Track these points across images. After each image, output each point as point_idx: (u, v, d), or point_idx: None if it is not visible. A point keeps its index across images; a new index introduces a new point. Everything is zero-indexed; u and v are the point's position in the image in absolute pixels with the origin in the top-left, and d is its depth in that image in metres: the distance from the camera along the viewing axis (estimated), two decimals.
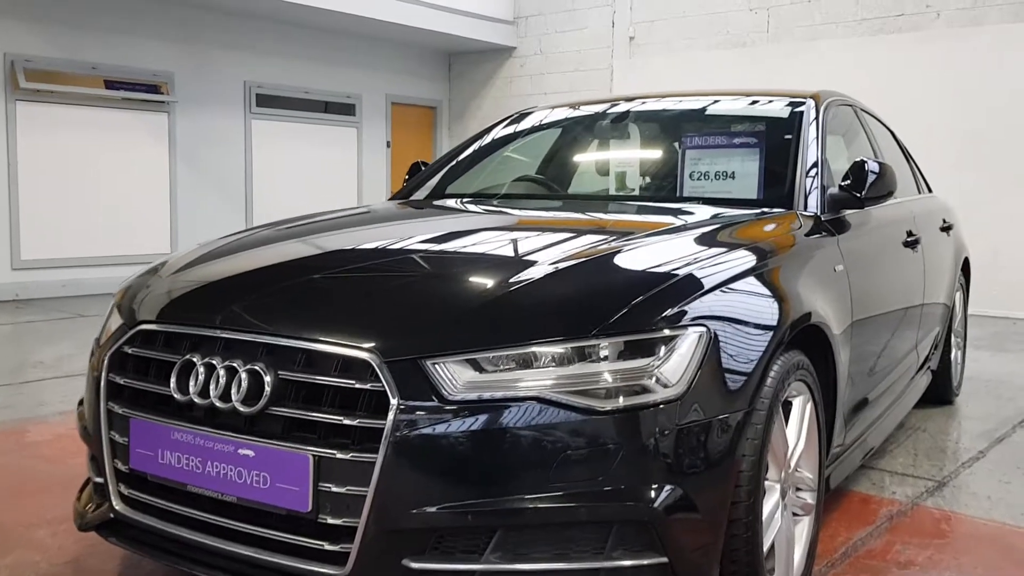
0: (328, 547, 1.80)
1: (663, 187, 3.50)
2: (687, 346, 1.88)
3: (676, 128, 3.58)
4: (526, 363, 1.81)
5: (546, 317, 1.89)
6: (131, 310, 2.23)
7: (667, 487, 1.81)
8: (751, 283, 2.17)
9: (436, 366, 1.79)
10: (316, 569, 1.81)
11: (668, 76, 9.91)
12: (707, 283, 2.05)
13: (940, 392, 4.54)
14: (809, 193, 2.87)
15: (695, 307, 1.96)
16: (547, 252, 2.24)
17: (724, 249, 2.30)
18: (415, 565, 1.77)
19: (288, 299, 2.07)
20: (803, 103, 3.28)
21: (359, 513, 1.76)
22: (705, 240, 2.39)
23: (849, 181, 2.91)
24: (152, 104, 9.09)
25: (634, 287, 2.00)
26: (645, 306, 1.93)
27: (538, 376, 1.80)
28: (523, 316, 1.91)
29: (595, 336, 1.83)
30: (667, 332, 1.88)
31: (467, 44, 11.37)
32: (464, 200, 3.41)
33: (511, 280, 2.02)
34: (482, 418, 1.75)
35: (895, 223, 3.43)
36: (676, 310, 1.92)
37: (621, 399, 1.79)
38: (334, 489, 1.79)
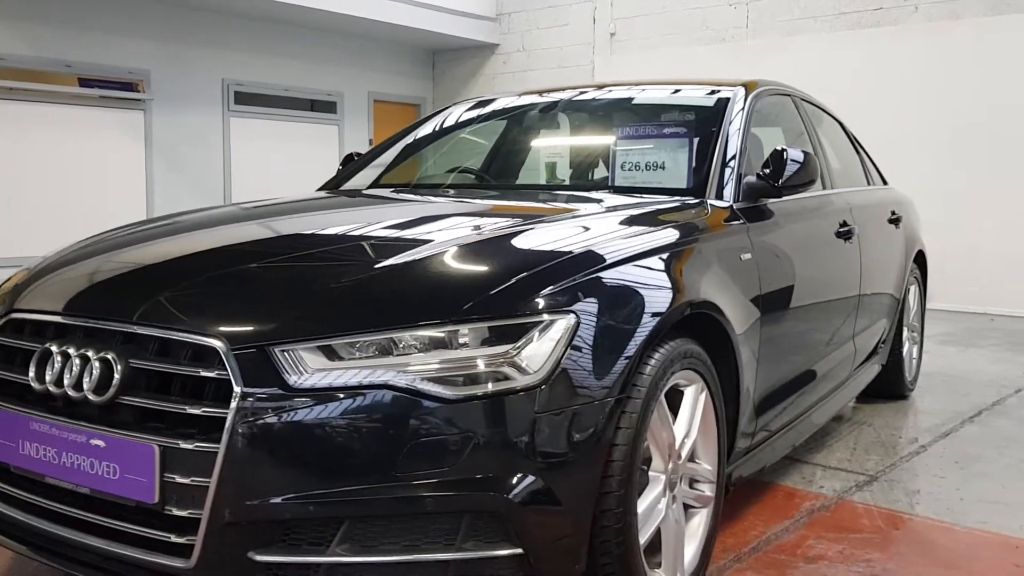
0: (175, 539, 1.75)
1: (595, 177, 3.46)
2: (553, 332, 1.83)
3: (608, 119, 3.53)
4: (382, 349, 1.77)
5: (405, 303, 1.85)
6: (5, 299, 2.19)
7: (524, 477, 1.76)
8: (631, 270, 2.11)
9: (284, 353, 1.75)
10: (164, 562, 1.77)
11: (649, 72, 9.85)
12: (581, 269, 2.00)
13: (892, 387, 4.48)
14: (725, 182, 2.82)
15: (564, 293, 1.91)
16: (427, 238, 2.20)
17: (610, 236, 2.25)
18: (260, 558, 1.72)
19: (145, 288, 2.02)
20: (731, 92, 3.22)
21: (203, 504, 1.71)
22: (592, 227, 2.34)
23: (768, 170, 2.85)
24: (128, 102, 9.07)
25: (501, 273, 1.95)
26: (510, 292, 1.88)
27: (392, 363, 1.75)
28: (382, 302, 1.86)
29: (453, 322, 1.79)
30: (531, 318, 1.83)
31: (450, 41, 11.34)
32: (388, 189, 3.36)
33: (375, 266, 1.97)
34: (328, 406, 1.71)
35: (825, 213, 3.37)
36: (543, 296, 1.88)
37: (475, 387, 1.75)
38: (179, 480, 1.74)
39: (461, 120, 3.81)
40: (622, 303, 2.01)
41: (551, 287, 1.91)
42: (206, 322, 1.81)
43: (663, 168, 3.20)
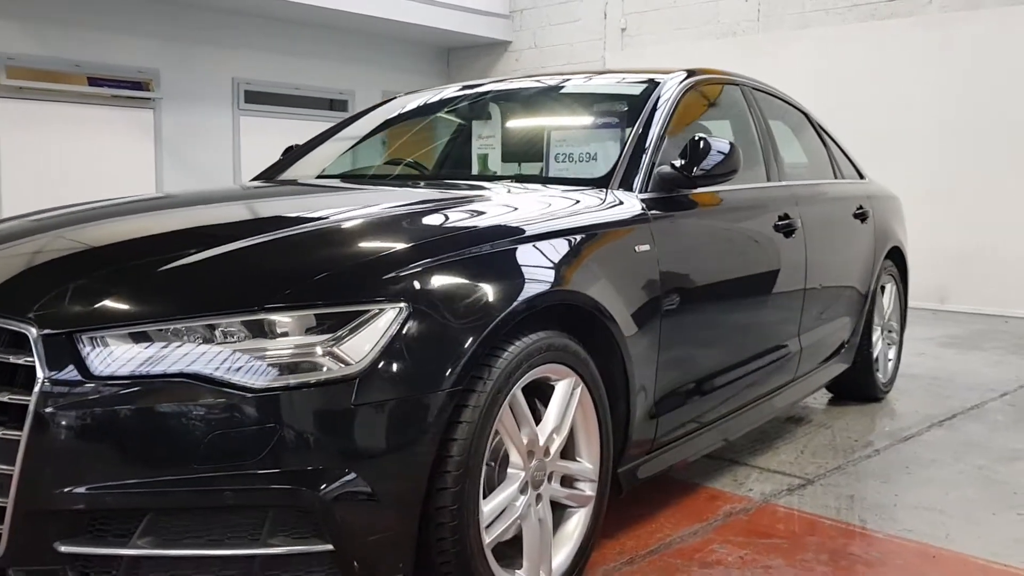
0: None
1: (527, 168, 3.38)
2: (380, 322, 1.77)
3: (540, 108, 3.45)
4: (193, 337, 1.72)
5: (221, 290, 1.81)
6: None
7: (335, 471, 1.70)
8: (482, 260, 2.02)
9: (91, 340, 1.71)
10: None
11: (660, 67, 9.71)
12: (420, 258, 1.92)
13: (862, 388, 4.33)
14: (634, 172, 2.72)
15: (397, 282, 1.84)
16: (274, 227, 2.15)
17: (467, 224, 2.18)
18: (65, 548, 1.69)
19: None
20: (658, 82, 3.12)
21: (7, 493, 1.68)
22: (455, 217, 2.26)
23: (683, 160, 2.75)
24: (137, 101, 9.18)
25: (334, 260, 1.90)
26: (337, 279, 1.82)
27: (200, 351, 1.70)
28: (201, 288, 1.82)
29: (264, 310, 1.74)
30: (356, 307, 1.78)
31: (463, 39, 11.30)
32: (313, 180, 3.32)
33: (202, 253, 1.93)
34: (129, 395, 1.67)
35: (761, 206, 3.25)
36: (371, 284, 1.81)
37: (283, 378, 1.69)
38: None
39: (403, 111, 3.76)
40: (465, 294, 1.93)
41: (383, 275, 1.84)
42: (23, 308, 1.78)
43: (594, 159, 3.12)
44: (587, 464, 2.28)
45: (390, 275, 1.85)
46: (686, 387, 2.72)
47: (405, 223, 2.19)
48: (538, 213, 2.36)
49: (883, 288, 4.43)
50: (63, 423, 1.66)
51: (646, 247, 2.51)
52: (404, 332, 1.79)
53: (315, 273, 1.83)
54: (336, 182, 3.26)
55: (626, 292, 2.38)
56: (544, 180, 2.92)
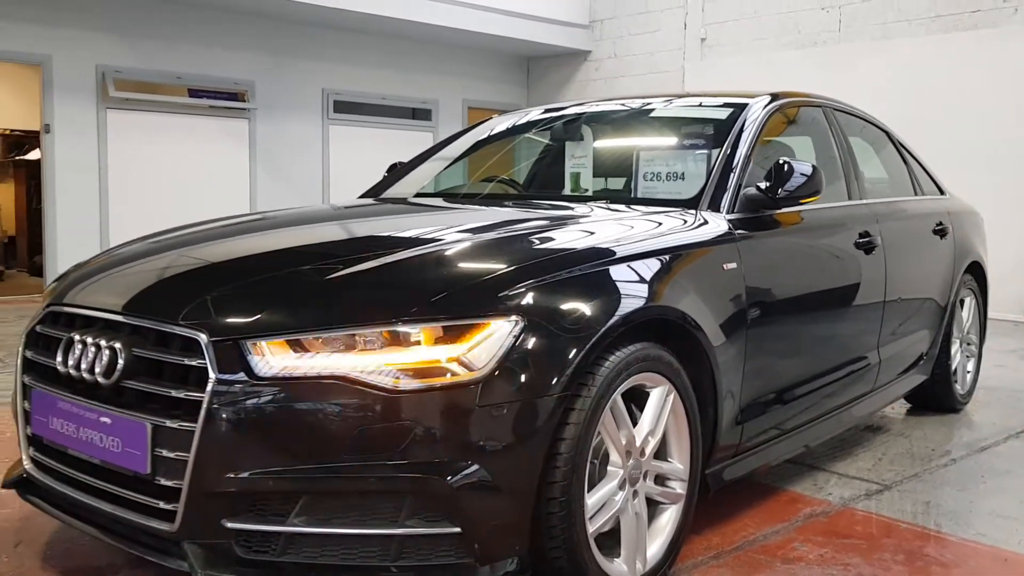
0: (162, 505, 2.02)
1: (617, 187, 3.59)
2: (498, 334, 2.01)
3: (630, 130, 3.66)
4: (344, 345, 1.98)
5: (365, 303, 2.07)
6: (49, 295, 2.53)
7: (463, 464, 1.94)
8: (588, 276, 2.26)
9: (255, 346, 1.98)
10: (154, 525, 2.04)
11: (738, 77, 9.82)
12: (533, 276, 2.15)
13: (940, 399, 4.42)
14: (722, 193, 2.91)
15: (514, 298, 2.07)
16: (403, 246, 2.41)
17: (576, 242, 2.40)
18: (231, 525, 1.97)
19: (152, 288, 2.32)
20: (745, 105, 3.30)
21: (183, 476, 1.97)
22: (562, 237, 2.49)
23: (768, 183, 2.93)
24: (234, 111, 9.66)
25: (456, 277, 2.15)
26: (461, 296, 2.07)
27: (348, 357, 1.96)
28: (344, 302, 2.08)
29: (405, 322, 1.99)
30: (478, 320, 2.02)
31: (544, 49, 11.55)
32: (418, 198, 3.59)
33: (345, 270, 2.20)
34: (288, 394, 1.94)
35: (842, 224, 3.40)
36: (493, 300, 2.05)
37: (421, 381, 1.94)
38: (166, 454, 2.00)
39: (498, 132, 4.01)
40: (573, 309, 2.16)
41: (503, 292, 2.08)
42: (194, 318, 2.07)
43: (681, 179, 3.32)
44: (678, 464, 2.48)
45: (506, 292, 2.09)
46: (769, 396, 2.90)
47: (516, 244, 2.43)
48: (633, 233, 2.58)
49: (962, 301, 4.52)
50: (231, 417, 1.94)
51: (733, 265, 2.71)
52: (519, 343, 2.02)
53: (442, 290, 2.08)
54: (440, 201, 3.52)
55: (714, 306, 2.58)
56: (634, 201, 3.12)
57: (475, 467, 1.95)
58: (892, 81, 8.71)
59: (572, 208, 3.05)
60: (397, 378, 1.94)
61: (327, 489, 1.95)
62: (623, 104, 3.72)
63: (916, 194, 4.34)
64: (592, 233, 2.58)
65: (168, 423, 1.99)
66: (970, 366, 4.68)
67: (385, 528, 1.95)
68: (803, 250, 3.14)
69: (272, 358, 1.97)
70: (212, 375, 1.96)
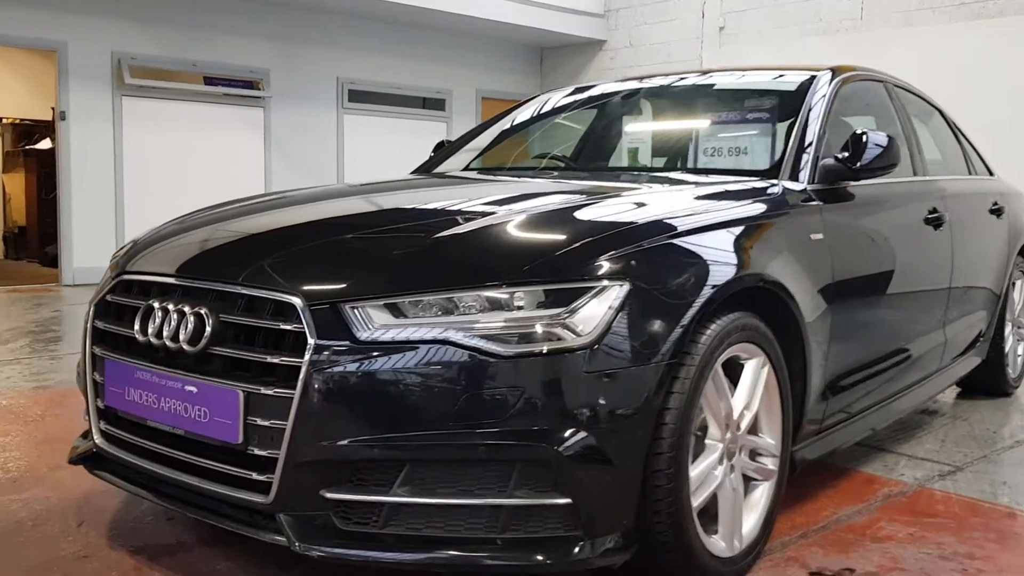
0: (256, 476, 1.93)
1: (676, 162, 3.51)
2: (605, 297, 1.92)
3: (692, 104, 3.57)
4: (443, 308, 1.90)
5: (465, 266, 1.98)
6: (118, 264, 2.43)
7: (572, 431, 1.86)
8: (689, 242, 2.18)
9: (353, 310, 1.90)
10: (246, 497, 1.95)
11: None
12: (637, 239, 2.07)
13: (993, 383, 4.35)
14: (801, 164, 2.83)
15: (619, 261, 1.99)
16: (492, 211, 2.32)
17: (670, 210, 2.32)
18: (331, 495, 1.88)
19: (237, 253, 2.22)
20: (814, 77, 3.22)
21: (280, 445, 1.88)
22: (656, 202, 2.41)
23: (846, 153, 2.85)
24: (249, 99, 9.56)
25: (557, 241, 2.06)
26: (566, 258, 1.98)
27: (452, 320, 1.88)
28: (444, 265, 2.00)
29: (509, 284, 1.90)
30: (584, 283, 1.93)
31: (558, 38, 11.46)
32: (472, 172, 3.51)
33: (441, 234, 2.11)
34: (391, 359, 1.85)
35: (914, 199, 3.33)
36: (597, 263, 1.97)
37: (528, 345, 1.85)
38: (260, 423, 1.91)
39: (550, 108, 3.92)
40: (676, 274, 2.08)
41: (606, 255, 1.99)
42: (287, 282, 1.98)
43: (744, 152, 3.25)
44: (769, 440, 2.40)
45: (611, 255, 2.00)
46: (851, 372, 2.81)
47: (611, 208, 2.35)
48: (724, 201, 2.50)
49: (1014, 284, 4.45)
50: (331, 383, 1.85)
51: (819, 235, 2.63)
52: (626, 308, 1.94)
53: (545, 252, 1.99)
54: (504, 174, 3.43)
55: (805, 278, 2.50)
56: (708, 171, 3.04)
57: (584, 435, 1.87)
58: (915, 69, 8.58)
59: (660, 177, 2.97)
60: (504, 342, 1.85)
61: (432, 457, 1.86)
62: (681, 79, 3.64)
63: (970, 174, 4.27)
64: (684, 199, 2.50)
65: (263, 390, 1.91)
66: (1020, 349, 4.61)
67: (493, 498, 1.86)
68: (879, 223, 3.06)
69: (373, 322, 1.88)
70: (311, 340, 1.87)
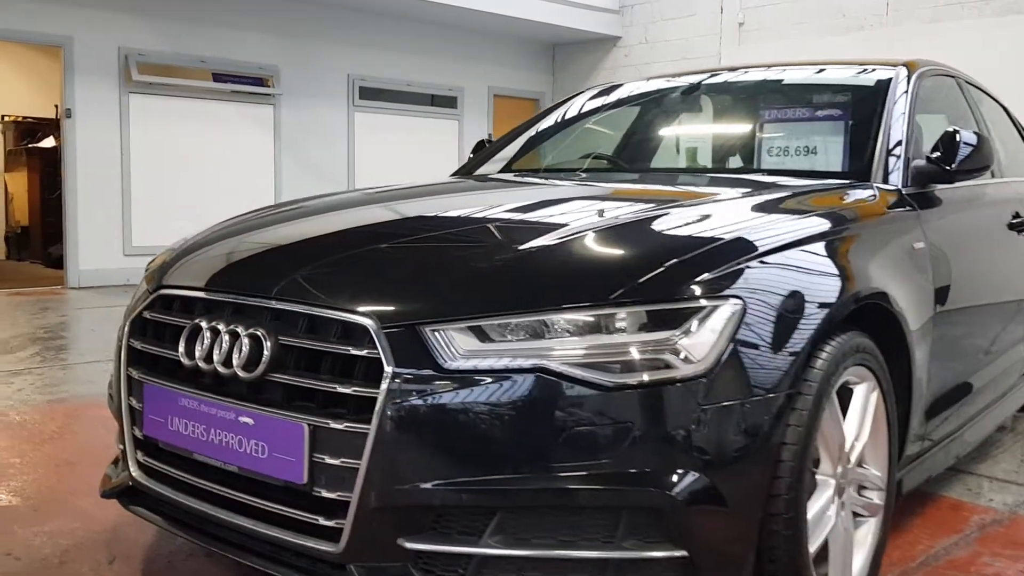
0: (323, 522, 1.70)
1: (738, 164, 3.29)
2: (717, 319, 1.69)
3: (753, 101, 3.35)
4: (535, 332, 1.66)
5: (558, 284, 1.74)
6: (154, 276, 2.20)
7: (687, 473, 1.63)
8: (801, 255, 1.95)
9: (435, 333, 1.66)
10: (312, 545, 1.71)
11: None
12: (746, 252, 1.84)
13: None
14: (891, 165, 2.61)
15: (730, 277, 1.76)
16: (574, 219, 2.08)
17: (772, 218, 2.10)
18: (410, 545, 1.65)
19: (295, 266, 1.98)
20: (892, 72, 3.00)
21: (352, 487, 1.65)
22: (752, 209, 2.19)
23: (938, 153, 2.63)
24: (258, 96, 9.32)
25: (659, 254, 1.82)
26: (670, 274, 1.75)
27: (546, 346, 1.64)
28: (534, 282, 1.76)
29: (610, 304, 1.67)
30: (694, 303, 1.70)
31: (571, 34, 11.23)
32: (524, 174, 3.28)
33: (525, 246, 1.87)
34: (481, 389, 1.62)
35: (998, 202, 3.11)
36: (706, 279, 1.73)
37: (636, 374, 1.62)
38: (328, 461, 1.68)
39: (596, 106, 3.69)
40: (790, 291, 1.85)
41: (714, 271, 1.76)
42: (356, 300, 1.75)
43: (814, 152, 3.03)
44: (875, 471, 2.18)
45: (722, 270, 1.77)
46: (947, 391, 2.59)
47: (708, 216, 2.11)
48: (826, 207, 2.27)
49: None
50: (412, 418, 1.62)
51: (921, 244, 2.41)
52: (743, 329, 1.71)
53: (648, 267, 1.75)
54: (561, 177, 3.20)
55: (910, 291, 2.28)
56: (784, 173, 2.81)
57: (700, 478, 1.64)
58: None
59: (736, 179, 2.74)
60: (607, 371, 1.62)
61: (529, 504, 1.62)
62: (744, 74, 3.41)
63: None
64: (784, 207, 2.27)
65: (332, 424, 1.67)
66: None
67: (598, 550, 1.63)
68: (970, 230, 2.84)
69: (457, 347, 1.65)
70: (387, 368, 1.64)
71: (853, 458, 2.05)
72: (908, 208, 2.47)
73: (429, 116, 10.80)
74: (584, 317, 1.67)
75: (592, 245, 1.90)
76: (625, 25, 11.17)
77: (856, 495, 2.11)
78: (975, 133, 2.65)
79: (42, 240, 10.69)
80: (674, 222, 2.04)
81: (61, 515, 2.63)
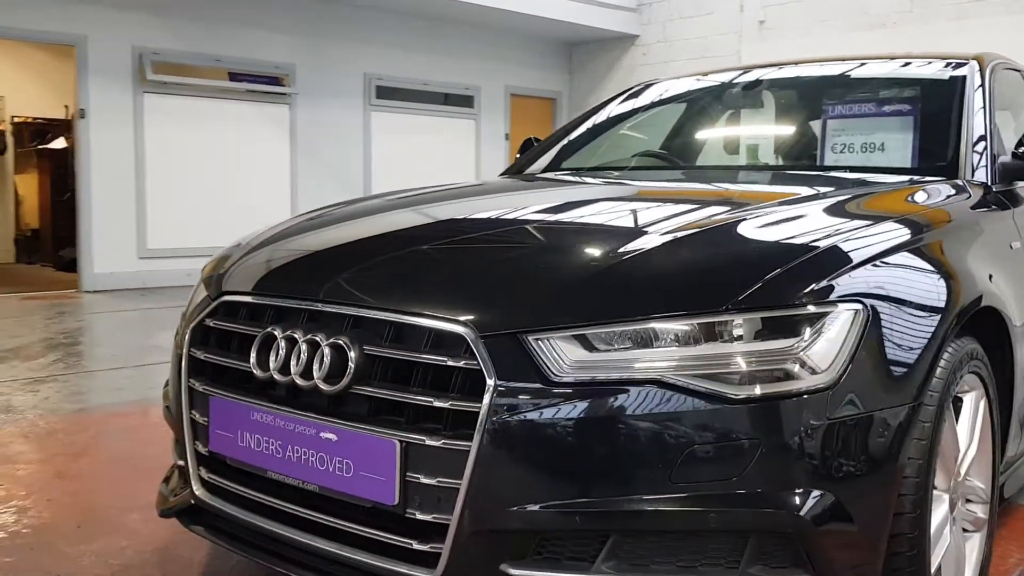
0: (417, 546, 1.58)
1: (800, 161, 3.16)
2: (839, 325, 1.57)
3: (816, 96, 3.22)
4: (644, 341, 1.54)
5: (668, 289, 1.62)
6: (216, 282, 2.07)
7: (816, 492, 1.50)
8: (912, 257, 1.83)
9: (540, 343, 1.54)
10: (404, 571, 1.59)
11: None
12: (859, 255, 1.72)
13: None
14: (977, 162, 2.49)
15: (847, 281, 1.64)
16: (667, 221, 1.96)
17: (876, 219, 1.96)
18: (515, 572, 1.52)
19: (378, 269, 1.86)
20: (964, 65, 2.88)
21: (451, 509, 1.53)
22: (852, 209, 2.06)
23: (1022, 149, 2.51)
24: (274, 96, 9.20)
25: (771, 257, 1.70)
26: (786, 278, 1.62)
27: (659, 356, 1.52)
28: (641, 288, 1.63)
29: (727, 311, 1.54)
30: (814, 308, 1.57)
31: (588, 33, 11.11)
32: (579, 173, 3.15)
33: (626, 249, 1.74)
34: (594, 403, 1.49)
35: None
36: (824, 284, 1.61)
37: (759, 386, 1.50)
38: (423, 480, 1.56)
39: (643, 104, 3.57)
40: (910, 295, 1.73)
41: (832, 274, 1.64)
42: (449, 306, 1.63)
43: (889, 149, 2.89)
44: (979, 483, 2.06)
45: (840, 273, 1.65)
46: None
47: (816, 216, 1.99)
48: (930, 204, 2.14)
49: None
50: (519, 435, 1.50)
51: (1018, 244, 2.28)
52: (866, 338, 1.59)
53: (763, 270, 1.63)
54: (628, 175, 3.08)
55: (1012, 291, 2.16)
56: (871, 171, 2.68)
57: (830, 496, 1.51)
58: None
59: (824, 176, 2.62)
60: (727, 382, 1.50)
61: (645, 527, 1.50)
62: (805, 68, 3.28)
63: None
64: (885, 206, 2.14)
65: (428, 441, 1.55)
66: None
67: None
68: None
69: (565, 357, 1.53)
70: (490, 380, 1.51)
71: (963, 471, 1.94)
72: (1000, 207, 2.35)
73: (446, 116, 10.68)
74: (700, 325, 1.54)
75: (696, 248, 1.77)
76: (643, 23, 11.04)
77: (964, 509, 1.99)
78: None
79: (52, 243, 10.56)
80: (776, 223, 1.91)
81: (107, 532, 2.51)
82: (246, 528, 1.85)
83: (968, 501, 2.04)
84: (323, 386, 1.66)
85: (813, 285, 1.61)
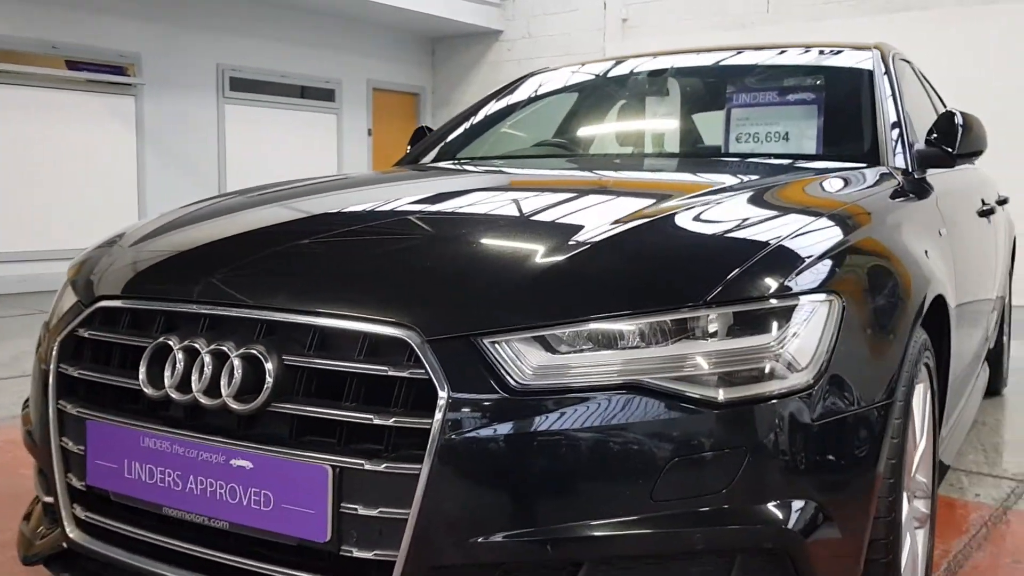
0: None
1: (701, 151, 3.07)
2: (816, 319, 1.44)
3: (727, 85, 3.15)
4: (609, 342, 1.36)
5: (632, 283, 1.44)
6: (88, 285, 1.75)
7: (800, 502, 1.37)
8: (875, 244, 1.74)
9: (497, 346, 1.34)
10: None
11: None
12: (822, 245, 1.60)
13: (991, 383, 4.15)
14: (895, 149, 2.45)
15: (817, 272, 1.51)
16: (609, 211, 1.79)
17: (827, 207, 1.86)
18: None
19: (295, 264, 1.61)
20: (868, 54, 2.86)
21: (397, 544, 1.30)
22: (798, 197, 1.96)
23: (936, 135, 2.49)
24: (118, 87, 8.55)
25: (740, 248, 1.55)
26: (758, 269, 1.47)
27: (627, 357, 1.35)
28: (602, 283, 1.45)
29: (699, 306, 1.38)
30: (790, 302, 1.44)
31: (452, 27, 10.90)
32: (484, 162, 2.96)
33: (577, 240, 1.55)
34: (564, 414, 1.30)
35: (971, 189, 3.03)
36: (795, 275, 1.48)
37: (739, 387, 1.35)
38: (362, 512, 1.33)
39: (541, 92, 3.41)
40: (883, 284, 1.64)
41: (802, 265, 1.51)
42: (387, 306, 1.40)
43: (799, 138, 2.84)
44: (921, 478, 1.99)
45: (814, 263, 1.52)
46: (958, 383, 2.46)
47: (775, 205, 1.86)
48: (872, 192, 2.06)
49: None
50: (476, 452, 1.29)
51: (944, 230, 2.25)
52: (843, 332, 1.46)
53: (729, 261, 1.48)
54: (547, 165, 2.90)
55: (947, 279, 2.11)
56: (785, 156, 2.61)
57: (816, 508, 1.38)
58: None
59: (741, 166, 2.52)
60: (706, 384, 1.34)
61: (629, 551, 1.32)
62: (712, 56, 3.20)
63: None
64: (823, 191, 2.05)
65: (366, 465, 1.32)
66: (1008, 347, 4.46)
67: None
68: (961, 216, 2.72)
69: (526, 362, 1.33)
70: (442, 392, 1.30)
71: (914, 467, 1.86)
72: (922, 194, 2.31)
73: (306, 110, 10.23)
74: (667, 321, 1.38)
75: (653, 239, 1.61)
76: (507, 19, 10.94)
77: (913, 507, 1.92)
78: (964, 115, 2.53)
79: None
80: (733, 213, 1.77)
81: None
82: (135, 575, 1.56)
83: (915, 497, 1.97)
84: (234, 405, 1.40)
85: (783, 276, 1.47)
